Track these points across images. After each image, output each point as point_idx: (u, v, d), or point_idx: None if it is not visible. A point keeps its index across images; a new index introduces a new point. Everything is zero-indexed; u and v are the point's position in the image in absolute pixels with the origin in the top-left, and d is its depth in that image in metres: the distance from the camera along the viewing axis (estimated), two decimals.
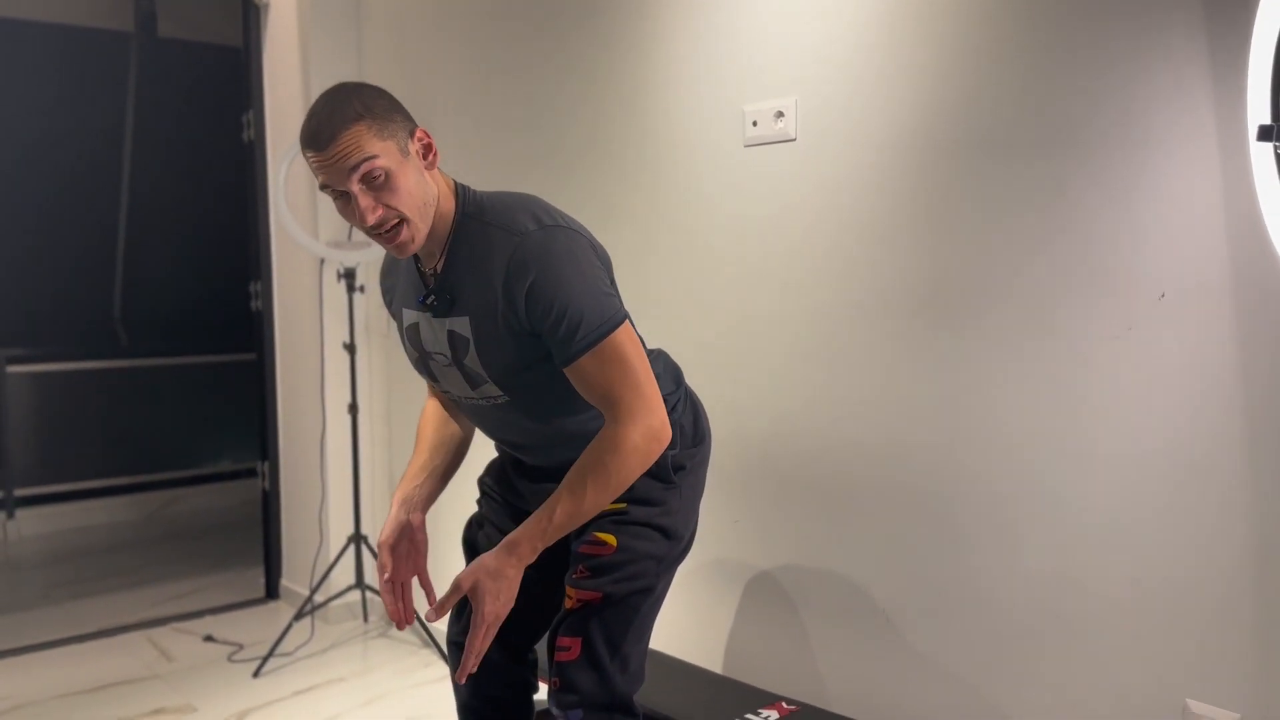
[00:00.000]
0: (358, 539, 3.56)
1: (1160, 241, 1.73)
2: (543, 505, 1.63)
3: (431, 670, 3.28)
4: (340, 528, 3.72)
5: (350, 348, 3.53)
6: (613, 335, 1.59)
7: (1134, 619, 1.81)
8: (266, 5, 3.86)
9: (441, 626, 3.12)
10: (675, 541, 1.80)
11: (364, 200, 1.56)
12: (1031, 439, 1.93)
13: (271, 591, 4.12)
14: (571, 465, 1.63)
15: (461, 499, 3.10)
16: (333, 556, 3.65)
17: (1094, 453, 1.84)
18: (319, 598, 3.65)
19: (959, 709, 2.07)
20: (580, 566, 1.73)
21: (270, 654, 3.36)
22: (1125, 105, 1.76)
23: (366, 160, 1.53)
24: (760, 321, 2.37)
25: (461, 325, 1.66)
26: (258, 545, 4.23)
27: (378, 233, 1.59)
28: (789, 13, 2.25)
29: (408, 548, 1.81)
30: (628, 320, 1.64)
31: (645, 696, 1.85)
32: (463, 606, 1.98)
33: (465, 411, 1.85)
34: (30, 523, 5.33)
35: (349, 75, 3.68)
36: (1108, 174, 1.79)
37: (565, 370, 1.62)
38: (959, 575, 2.05)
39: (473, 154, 3.21)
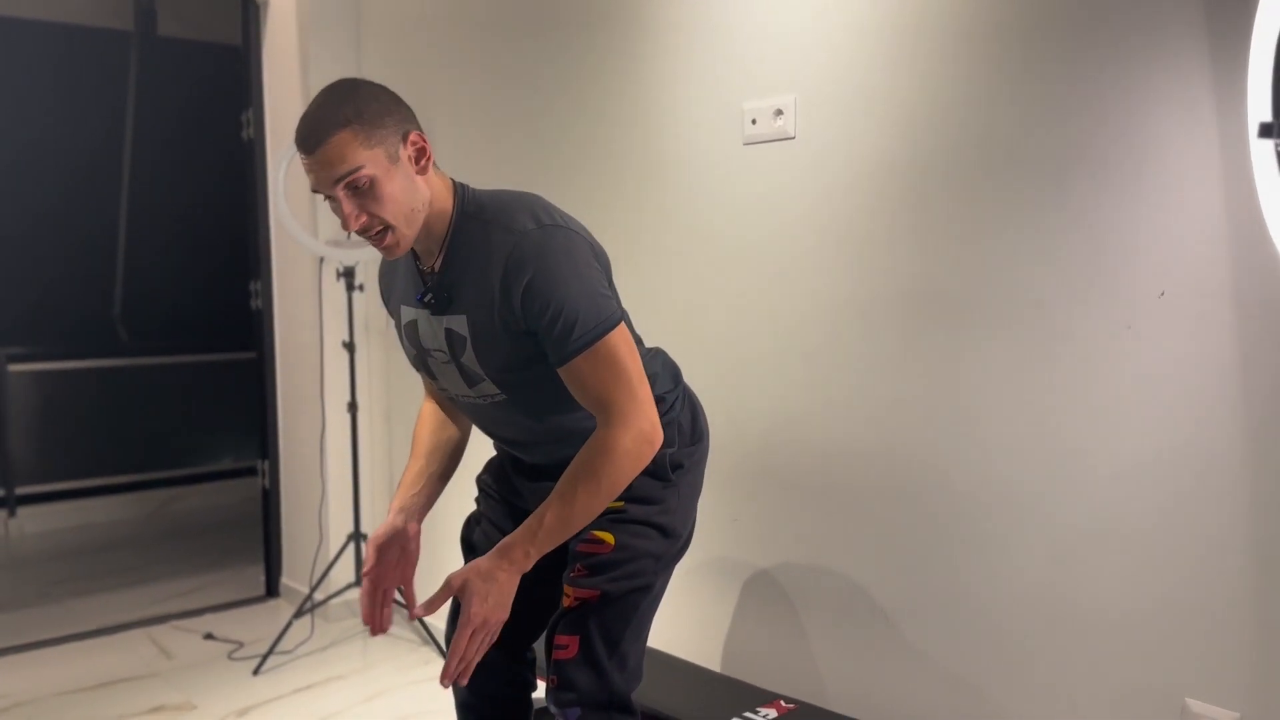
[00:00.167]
0: (357, 537, 3.56)
1: (1160, 239, 1.73)
2: (536, 510, 1.62)
3: (431, 668, 3.28)
4: (340, 526, 3.72)
5: (350, 346, 3.53)
6: (608, 336, 1.59)
7: (1133, 618, 1.81)
8: (266, 4, 3.85)
9: (441, 623, 3.12)
10: (673, 540, 1.80)
11: (347, 206, 1.56)
12: (1031, 438, 1.92)
13: (271, 589, 4.12)
14: (570, 462, 1.63)
15: (460, 497, 3.10)
16: (332, 554, 3.65)
17: (1092, 452, 1.84)
18: (319, 595, 3.65)
19: (957, 708, 2.07)
20: (578, 565, 1.73)
21: (270, 652, 3.36)
22: (1125, 102, 1.75)
23: (350, 171, 1.53)
24: (759, 320, 2.37)
25: (459, 323, 1.66)
26: (258, 543, 4.24)
27: (364, 236, 1.60)
28: (788, 10, 2.25)
29: (398, 554, 1.81)
30: (623, 322, 1.63)
31: (643, 695, 1.85)
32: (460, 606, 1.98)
33: (463, 410, 1.84)
34: (31, 520, 5.34)
35: (348, 73, 3.67)
36: (1107, 171, 1.78)
37: (559, 370, 1.61)
38: (957, 574, 2.05)
39: (471, 153, 3.20)
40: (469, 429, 1.94)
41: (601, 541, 1.72)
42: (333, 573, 3.60)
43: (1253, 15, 1.51)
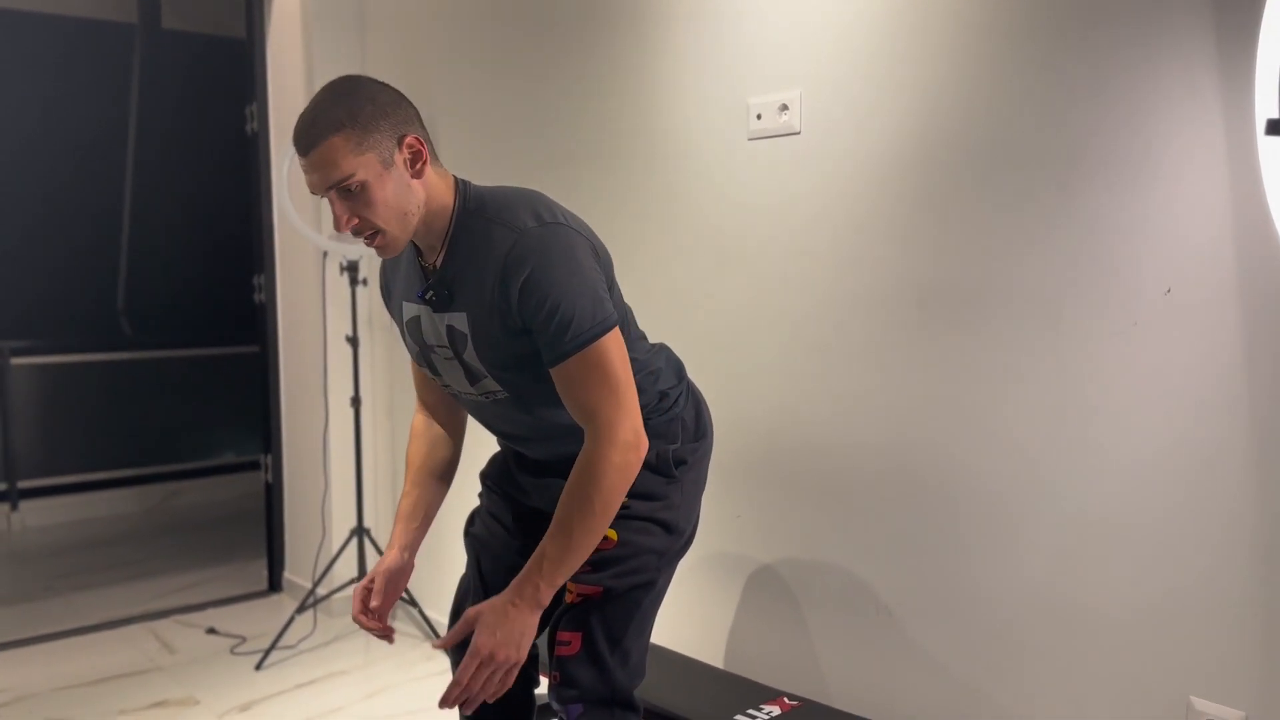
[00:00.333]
0: (360, 532, 3.56)
1: (1166, 236, 1.72)
2: (540, 544, 1.61)
3: (433, 664, 3.28)
4: (343, 521, 3.72)
5: (353, 341, 3.53)
6: (601, 340, 1.58)
7: (1138, 615, 1.80)
8: None
9: (443, 618, 3.12)
10: (676, 536, 1.80)
11: (338, 209, 1.57)
12: (1035, 435, 1.92)
13: (274, 584, 4.12)
14: (573, 459, 1.62)
15: (464, 491, 3.10)
16: (335, 549, 3.65)
17: (1098, 448, 1.83)
18: (322, 590, 3.65)
19: (960, 705, 2.06)
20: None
21: (273, 646, 3.36)
22: (1132, 98, 1.74)
23: (342, 178, 1.53)
24: (763, 315, 2.36)
25: (459, 320, 1.66)
26: (260, 538, 4.23)
27: (356, 236, 1.61)
28: (794, 3, 2.24)
29: (396, 584, 1.86)
30: (619, 326, 1.62)
31: (646, 691, 1.85)
32: (464, 596, 1.98)
33: (466, 407, 1.84)
34: (33, 514, 5.34)
35: (353, 67, 3.67)
36: (1113, 168, 1.78)
37: (551, 370, 1.61)
38: (961, 571, 2.04)
39: (476, 147, 3.20)
40: (461, 440, 1.94)
41: (605, 537, 1.71)
42: (335, 568, 3.60)
43: (1261, 11, 1.50)
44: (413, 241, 1.69)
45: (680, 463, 1.81)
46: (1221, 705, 1.71)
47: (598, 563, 1.70)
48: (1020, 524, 1.95)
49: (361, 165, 1.53)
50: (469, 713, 1.68)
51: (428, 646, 3.43)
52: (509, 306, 1.59)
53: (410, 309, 1.75)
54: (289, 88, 3.78)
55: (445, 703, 1.63)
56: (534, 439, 1.80)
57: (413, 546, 1.87)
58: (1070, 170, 1.83)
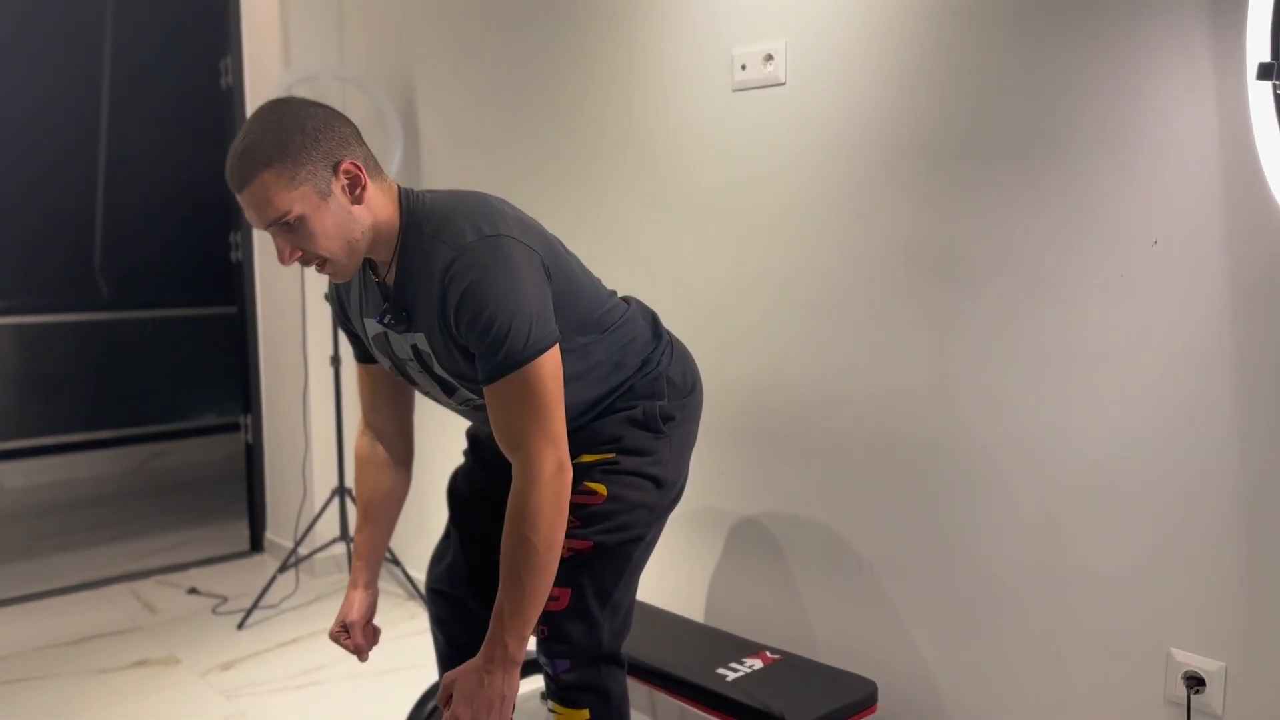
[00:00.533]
0: (341, 492, 3.54)
1: (1153, 186, 1.71)
2: (495, 604, 1.59)
3: (416, 622, 3.28)
4: (324, 480, 3.70)
5: (334, 314, 3.49)
6: (535, 362, 1.53)
7: (1119, 569, 1.81)
8: None
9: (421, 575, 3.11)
10: (666, 490, 1.79)
11: (279, 243, 1.53)
12: (1020, 388, 1.91)
13: (256, 545, 4.11)
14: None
15: (445, 451, 3.08)
16: (317, 509, 3.63)
17: (1083, 401, 1.83)
18: (303, 550, 3.64)
19: (942, 658, 2.07)
20: (571, 516, 1.71)
21: (255, 606, 3.36)
22: (1119, 44, 1.72)
23: (275, 216, 1.49)
24: (747, 272, 2.34)
25: (421, 341, 1.64)
26: (242, 499, 4.22)
27: (305, 266, 1.58)
28: None
29: (370, 617, 1.87)
30: (555, 346, 1.57)
31: (630, 646, 1.85)
32: (444, 552, 1.98)
33: (449, 409, 1.82)
34: (12, 476, 5.30)
35: (328, 16, 3.60)
36: (1100, 117, 1.75)
37: (484, 389, 1.57)
38: (944, 525, 2.04)
39: (454, 105, 3.15)
40: (410, 450, 1.91)
41: (594, 493, 1.71)
42: (317, 527, 3.59)
43: None
44: (366, 257, 1.65)
45: (668, 418, 1.79)
46: (1202, 656, 1.72)
47: (587, 518, 1.69)
48: (1004, 478, 1.95)
49: (296, 199, 1.48)
50: None
51: (411, 605, 3.43)
52: (449, 324, 1.56)
53: (374, 326, 1.71)
54: (264, 41, 3.70)
55: None
56: None
57: (374, 580, 1.88)
58: (1057, 120, 1.81)
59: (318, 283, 3.62)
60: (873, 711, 2.02)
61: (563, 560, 1.69)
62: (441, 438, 3.21)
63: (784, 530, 2.33)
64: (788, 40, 2.20)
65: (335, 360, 3.50)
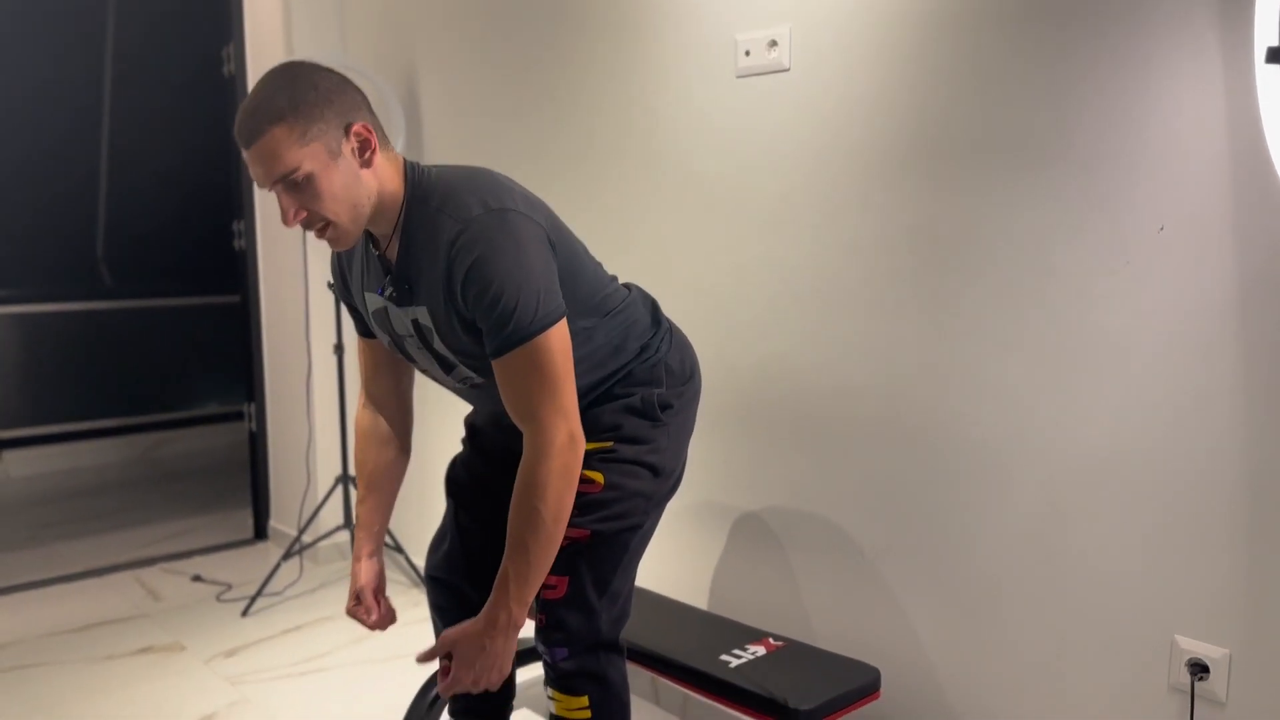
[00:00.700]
0: (345, 479, 3.54)
1: (1160, 172, 1.69)
2: (501, 564, 1.60)
3: (419, 610, 3.29)
4: (328, 468, 3.70)
5: (334, 287, 3.48)
6: (543, 335, 1.53)
7: (1123, 555, 1.80)
8: None
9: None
10: (664, 479, 1.78)
11: (284, 202, 1.51)
12: (1024, 376, 1.90)
13: (260, 532, 4.12)
14: None
15: (446, 438, 3.08)
16: (320, 497, 3.64)
17: (1087, 389, 1.82)
18: (307, 538, 3.64)
19: (944, 646, 2.07)
20: None
21: (259, 593, 3.36)
22: (1125, 27, 1.71)
23: (284, 171, 1.47)
24: (750, 259, 2.33)
25: (422, 314, 1.63)
26: (245, 487, 4.22)
27: (305, 229, 1.56)
28: None
29: (379, 586, 1.87)
30: (563, 319, 1.57)
31: (631, 633, 1.85)
32: (442, 539, 1.98)
33: (447, 389, 1.82)
34: (17, 465, 5.32)
35: (330, 4, 3.59)
36: (1106, 101, 1.74)
37: (492, 364, 1.57)
38: (947, 513, 2.04)
39: (456, 92, 3.14)
40: (410, 422, 1.92)
41: (591, 481, 1.70)
42: (321, 515, 3.59)
43: None
44: (366, 230, 1.64)
45: (666, 406, 1.79)
46: (1206, 643, 1.71)
47: (584, 506, 1.69)
48: (1008, 466, 1.94)
49: (307, 156, 1.47)
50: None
51: (415, 593, 3.44)
52: (456, 299, 1.55)
53: (374, 300, 1.71)
54: (267, 28, 3.69)
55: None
56: None
57: (379, 550, 1.88)
58: (1063, 105, 1.80)
59: (320, 271, 3.61)
60: (876, 698, 2.02)
61: (560, 549, 1.69)
62: (444, 425, 3.21)
63: (787, 518, 2.33)
64: (792, 26, 2.18)
65: (338, 348, 3.50)
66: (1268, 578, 1.64)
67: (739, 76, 2.30)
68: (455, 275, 1.53)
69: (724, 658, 2.07)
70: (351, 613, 1.85)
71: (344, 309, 3.58)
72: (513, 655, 1.63)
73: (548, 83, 2.81)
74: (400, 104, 3.30)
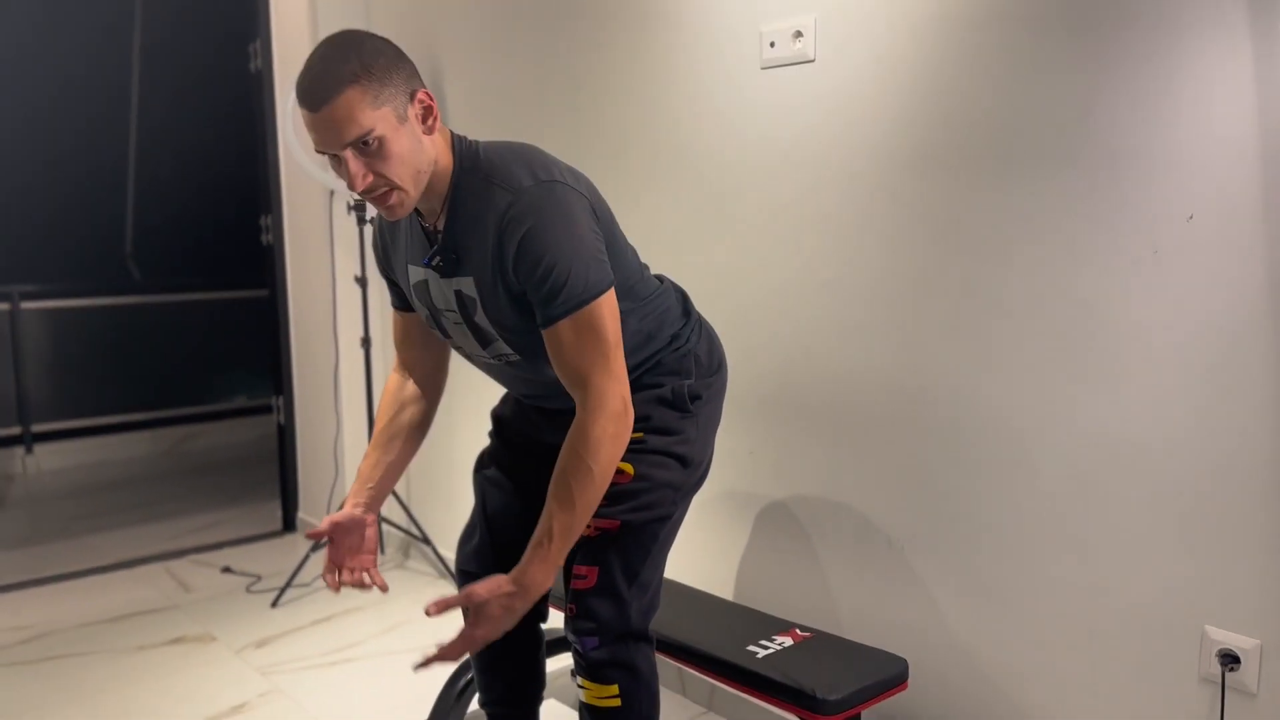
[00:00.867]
0: None
1: (1189, 161, 1.69)
2: (538, 526, 1.60)
3: None
4: (355, 460, 3.73)
5: (361, 281, 3.51)
6: (594, 303, 1.55)
7: (1152, 543, 1.79)
8: None
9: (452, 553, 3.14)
10: (692, 469, 1.79)
11: (354, 165, 1.51)
12: (1051, 363, 1.90)
13: (289, 524, 4.16)
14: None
15: (475, 430, 3.09)
16: (348, 489, 3.66)
17: (1115, 376, 1.81)
18: None
19: (972, 636, 2.07)
20: None
21: (288, 584, 3.40)
22: (1154, 14, 1.70)
23: (359, 134, 1.48)
24: (776, 249, 2.34)
25: (467, 285, 1.64)
26: (273, 479, 4.27)
27: (368, 196, 1.56)
28: None
29: (357, 541, 1.81)
30: (612, 288, 1.59)
31: (659, 624, 1.86)
32: (471, 533, 1.99)
33: (479, 368, 1.83)
34: (48, 458, 5.39)
35: (357, 2, 3.61)
36: (1135, 90, 1.73)
37: (543, 332, 1.58)
38: (974, 502, 2.04)
39: (481, 85, 3.15)
40: (437, 399, 1.91)
41: (621, 471, 1.71)
42: None
43: None
44: None
45: (695, 397, 1.80)
46: (1237, 634, 1.71)
47: (614, 496, 1.70)
48: (1033, 454, 1.94)
49: (379, 119, 1.49)
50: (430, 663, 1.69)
51: (443, 584, 3.46)
52: (506, 269, 1.57)
53: (416, 273, 1.72)
54: (293, 24, 3.72)
55: (422, 666, 1.64)
56: (550, 395, 1.79)
57: (370, 505, 1.83)
58: (1089, 92, 1.79)
59: (348, 265, 3.64)
60: (904, 689, 2.02)
61: (590, 539, 1.70)
62: (472, 418, 3.23)
63: (813, 508, 2.33)
64: (817, 16, 2.18)
65: (366, 341, 3.52)
66: None
67: (764, 68, 2.30)
68: (507, 246, 1.55)
69: (751, 648, 2.07)
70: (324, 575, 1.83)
71: (369, 301, 3.61)
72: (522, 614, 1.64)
73: (572, 75, 2.82)
74: None
